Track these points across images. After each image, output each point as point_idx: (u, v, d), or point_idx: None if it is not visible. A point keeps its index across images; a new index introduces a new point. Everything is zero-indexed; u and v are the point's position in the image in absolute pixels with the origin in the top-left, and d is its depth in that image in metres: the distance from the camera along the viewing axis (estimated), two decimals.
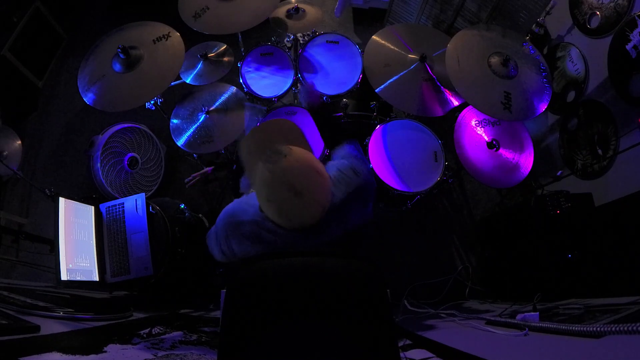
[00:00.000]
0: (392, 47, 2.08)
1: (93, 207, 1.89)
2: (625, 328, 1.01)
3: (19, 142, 2.72)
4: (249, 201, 1.10)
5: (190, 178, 2.19)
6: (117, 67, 1.88)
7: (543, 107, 1.83)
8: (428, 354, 1.44)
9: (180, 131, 2.09)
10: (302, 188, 0.91)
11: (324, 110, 1.72)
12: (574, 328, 1.17)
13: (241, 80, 2.16)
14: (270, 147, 0.97)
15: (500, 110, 1.78)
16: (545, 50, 2.47)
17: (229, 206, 1.14)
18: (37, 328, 1.15)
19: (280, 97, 2.16)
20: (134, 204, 1.91)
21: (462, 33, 1.96)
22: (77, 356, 1.10)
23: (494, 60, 1.86)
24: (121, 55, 1.85)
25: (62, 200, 1.72)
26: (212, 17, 2.02)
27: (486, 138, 2.08)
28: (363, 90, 2.14)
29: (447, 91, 2.01)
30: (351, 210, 1.06)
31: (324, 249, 1.04)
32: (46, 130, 2.93)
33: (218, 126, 2.07)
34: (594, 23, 2.06)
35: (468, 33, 1.97)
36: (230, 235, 1.08)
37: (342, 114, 2.16)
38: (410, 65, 2.02)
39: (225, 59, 2.23)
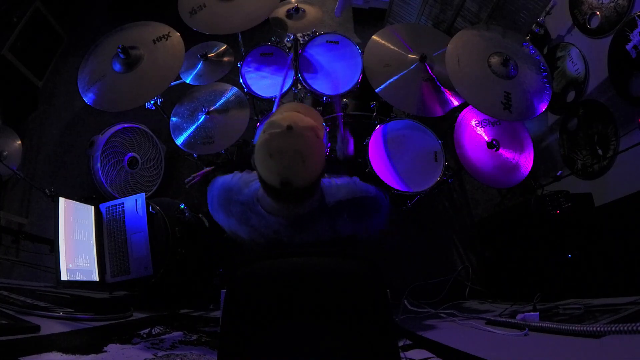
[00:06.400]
0: (392, 47, 2.08)
1: (93, 207, 1.90)
2: (625, 328, 1.01)
3: (19, 142, 2.72)
4: (247, 181, 1.11)
5: (190, 178, 2.19)
6: (117, 67, 1.88)
7: (543, 107, 1.83)
8: (428, 354, 1.44)
9: (180, 130, 2.09)
10: (297, 129, 0.90)
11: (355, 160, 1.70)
12: (574, 328, 1.17)
13: (241, 80, 2.16)
14: (297, 110, 0.98)
15: (500, 110, 1.78)
16: (545, 50, 2.47)
17: (228, 179, 1.15)
18: (37, 328, 1.15)
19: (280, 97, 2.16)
20: (134, 204, 1.91)
21: (462, 33, 1.96)
22: (77, 356, 1.10)
23: (494, 60, 1.86)
24: (121, 55, 1.85)
25: (62, 200, 1.72)
26: (207, 15, 2.01)
27: (486, 138, 2.08)
28: (363, 90, 2.14)
29: (447, 91, 2.01)
30: (343, 217, 1.06)
31: (316, 248, 1.04)
32: (46, 130, 2.93)
33: (218, 127, 2.07)
34: (594, 23, 2.06)
35: (468, 33, 1.97)
36: (221, 207, 1.12)
37: (342, 114, 2.16)
38: (410, 65, 2.02)
39: (225, 59, 2.23)
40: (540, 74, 1.90)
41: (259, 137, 0.94)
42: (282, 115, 0.94)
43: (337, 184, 1.08)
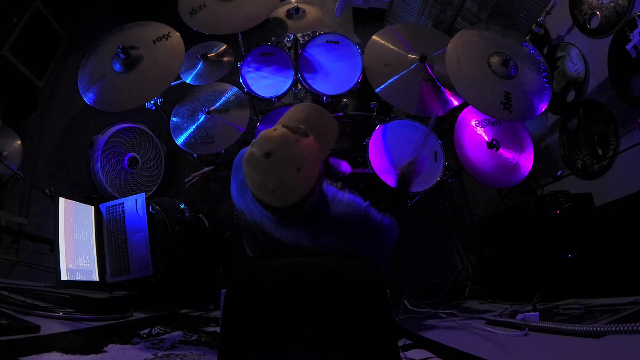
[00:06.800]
0: (392, 47, 2.08)
1: (93, 207, 1.89)
2: (625, 328, 1.01)
3: (19, 142, 2.72)
4: None
5: (190, 178, 2.19)
6: (117, 67, 1.88)
7: (543, 107, 1.83)
8: (428, 354, 1.44)
9: (180, 130, 2.09)
10: (275, 159, 0.86)
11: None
12: (574, 328, 1.17)
13: (241, 80, 2.16)
14: (303, 122, 0.94)
15: (500, 110, 1.78)
16: (545, 50, 2.47)
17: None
18: (37, 328, 1.15)
19: (280, 97, 2.16)
20: (134, 204, 1.91)
21: (462, 33, 1.96)
22: (77, 356, 1.10)
23: (494, 60, 1.86)
24: (121, 55, 1.85)
25: (62, 200, 1.72)
26: (207, 15, 2.01)
27: (486, 138, 2.08)
28: (363, 90, 2.14)
29: (447, 91, 2.01)
30: (326, 234, 1.03)
31: (316, 248, 1.04)
32: (46, 130, 2.93)
33: (218, 127, 2.08)
34: (594, 23, 2.06)
35: (468, 33, 1.97)
36: (233, 171, 1.15)
37: (342, 114, 2.16)
38: (410, 65, 2.02)
39: (225, 59, 2.23)
40: (540, 74, 1.90)
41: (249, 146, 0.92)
42: (276, 132, 0.89)
43: (340, 199, 1.05)
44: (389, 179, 1.96)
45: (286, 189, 0.88)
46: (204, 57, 2.19)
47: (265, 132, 0.90)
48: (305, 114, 1.00)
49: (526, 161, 2.07)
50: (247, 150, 0.91)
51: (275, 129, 0.90)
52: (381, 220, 1.11)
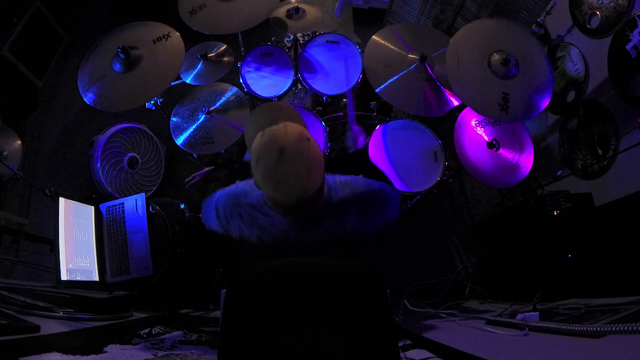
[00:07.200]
0: (392, 47, 2.08)
1: (93, 207, 1.90)
2: (625, 328, 1.01)
3: (19, 142, 2.72)
4: (253, 185, 1.10)
5: (190, 178, 2.19)
6: (117, 67, 1.88)
7: (542, 107, 1.83)
8: (428, 354, 1.44)
9: (180, 130, 2.09)
10: (288, 148, 0.89)
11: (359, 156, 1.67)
12: (574, 328, 1.17)
13: (241, 80, 2.16)
14: (270, 120, 0.97)
15: (497, 112, 1.77)
16: (545, 50, 2.47)
17: (232, 188, 1.16)
18: (37, 328, 1.15)
19: (280, 97, 2.16)
20: (134, 204, 1.91)
21: (465, 29, 1.91)
22: (77, 356, 1.10)
23: (495, 58, 1.84)
24: (121, 55, 1.85)
25: (62, 200, 1.72)
26: (207, 15, 2.01)
27: (486, 138, 2.08)
28: (363, 90, 2.14)
29: (447, 91, 2.01)
30: (349, 214, 1.06)
31: (317, 248, 1.05)
32: (46, 130, 2.93)
33: (218, 127, 2.08)
34: (594, 23, 2.06)
35: (470, 30, 1.92)
36: (231, 215, 1.13)
37: (342, 114, 2.16)
38: (410, 65, 2.02)
39: (225, 59, 2.23)
40: (544, 73, 1.87)
41: (253, 169, 0.93)
42: (265, 136, 0.91)
43: (341, 180, 1.09)
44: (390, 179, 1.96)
45: (315, 162, 0.92)
46: (204, 57, 2.19)
47: (257, 144, 0.92)
48: (264, 115, 1.04)
49: (526, 161, 2.07)
50: (257, 171, 0.92)
51: (262, 134, 0.93)
52: (377, 184, 1.15)
